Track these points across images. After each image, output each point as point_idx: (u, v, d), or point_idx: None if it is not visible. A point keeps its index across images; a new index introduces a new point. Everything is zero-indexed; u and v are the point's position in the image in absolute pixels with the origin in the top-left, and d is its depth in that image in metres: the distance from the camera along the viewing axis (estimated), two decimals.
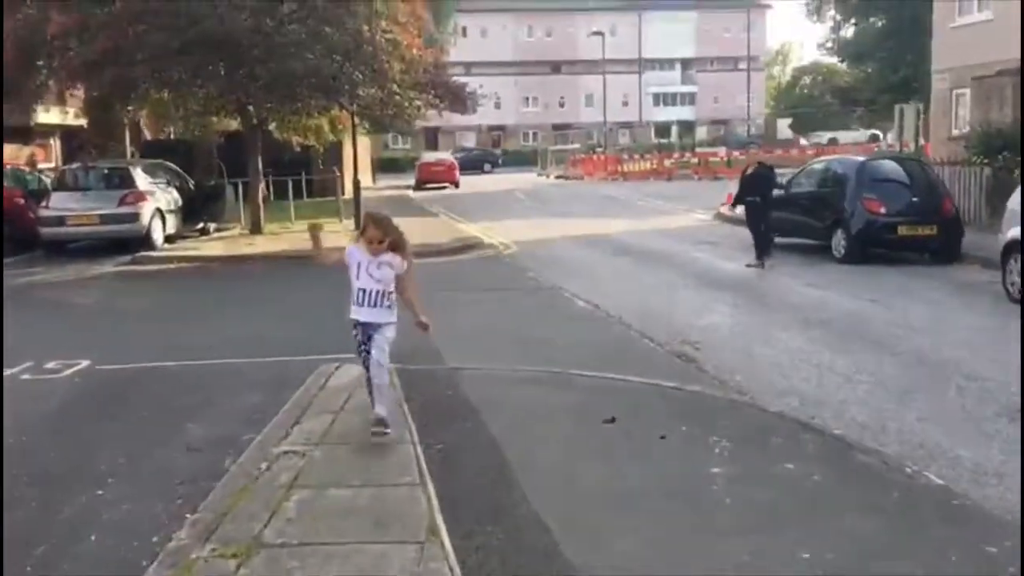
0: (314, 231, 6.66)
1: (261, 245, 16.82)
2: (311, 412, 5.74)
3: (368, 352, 5.12)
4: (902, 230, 12.86)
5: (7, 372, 7.57)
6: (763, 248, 13.09)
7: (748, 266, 12.98)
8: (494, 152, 60.66)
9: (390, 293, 5.12)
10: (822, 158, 16.78)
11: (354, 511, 4.13)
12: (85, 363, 7.84)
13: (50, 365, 7.78)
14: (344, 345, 4.89)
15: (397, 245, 5.15)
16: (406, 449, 4.95)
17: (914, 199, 13.17)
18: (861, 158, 15.67)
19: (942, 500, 4.52)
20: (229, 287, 13.05)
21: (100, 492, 4.75)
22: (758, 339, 8.54)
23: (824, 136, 55.68)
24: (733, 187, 24.56)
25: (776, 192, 15.33)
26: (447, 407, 5.91)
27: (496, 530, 4.05)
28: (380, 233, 5.10)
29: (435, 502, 4.22)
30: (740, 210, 14.61)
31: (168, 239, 17.51)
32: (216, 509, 4.18)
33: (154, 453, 5.38)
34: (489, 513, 4.21)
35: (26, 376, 7.52)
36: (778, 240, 15.28)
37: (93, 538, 4.20)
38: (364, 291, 5.10)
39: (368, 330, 5.13)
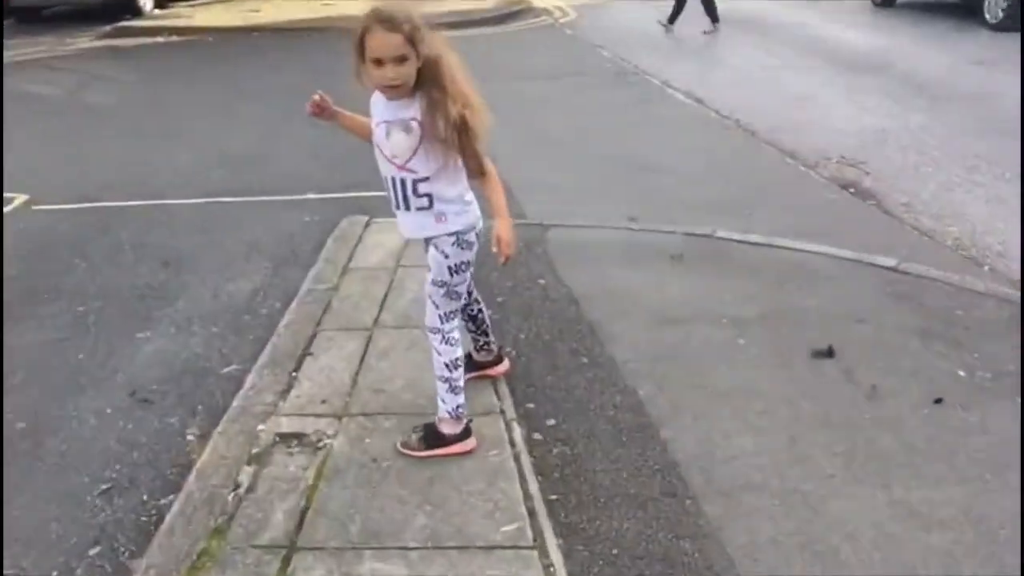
0: None
1: (270, 12, 13.98)
2: (328, 327, 3.56)
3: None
4: None
5: None
6: (677, 10, 11.52)
7: (705, 33, 11.36)
8: None
9: (420, 182, 2.44)
10: None
11: None
12: (21, 199, 5.71)
13: None
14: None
15: (436, 75, 2.32)
16: (497, 437, 2.78)
17: None
18: None
19: None
20: (227, 73, 10.38)
21: None
22: (945, 153, 6.16)
23: None
24: None
25: None
26: (544, 320, 3.66)
27: None
28: (398, 39, 2.25)
29: None
30: None
31: (158, 3, 14.72)
32: None
33: (75, 404, 3.28)
34: None
35: None
36: None
37: None
38: (385, 180, 2.52)
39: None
